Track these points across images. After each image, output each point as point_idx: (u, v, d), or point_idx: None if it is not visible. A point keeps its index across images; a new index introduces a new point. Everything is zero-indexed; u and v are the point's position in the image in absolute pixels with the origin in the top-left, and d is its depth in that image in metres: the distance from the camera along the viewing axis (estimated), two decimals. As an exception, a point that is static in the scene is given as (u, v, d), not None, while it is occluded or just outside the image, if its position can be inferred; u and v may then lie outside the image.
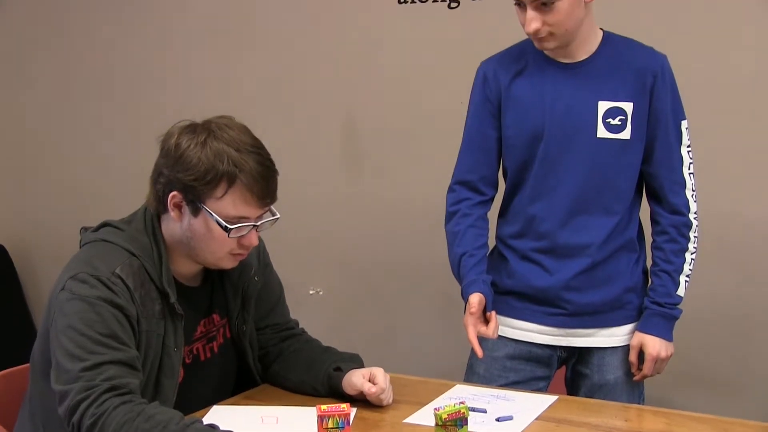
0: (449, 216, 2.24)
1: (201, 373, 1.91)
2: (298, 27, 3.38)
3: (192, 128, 1.77)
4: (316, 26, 3.35)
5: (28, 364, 1.90)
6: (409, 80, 3.23)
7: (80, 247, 1.83)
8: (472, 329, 2.06)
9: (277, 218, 1.84)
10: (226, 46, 3.51)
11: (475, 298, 2.07)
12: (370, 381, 1.89)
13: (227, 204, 1.74)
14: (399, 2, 3.19)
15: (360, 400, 1.90)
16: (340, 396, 1.93)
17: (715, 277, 2.82)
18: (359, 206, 3.37)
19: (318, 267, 3.48)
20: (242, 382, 2.03)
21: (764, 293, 2.87)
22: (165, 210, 1.79)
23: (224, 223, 1.75)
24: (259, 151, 1.78)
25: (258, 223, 1.80)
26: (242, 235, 1.79)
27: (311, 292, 3.48)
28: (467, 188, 2.22)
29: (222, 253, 1.80)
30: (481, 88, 2.18)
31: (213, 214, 1.74)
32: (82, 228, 1.87)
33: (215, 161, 1.72)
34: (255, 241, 1.81)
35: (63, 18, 3.79)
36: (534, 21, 1.99)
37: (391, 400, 1.91)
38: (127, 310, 1.72)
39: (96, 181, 3.73)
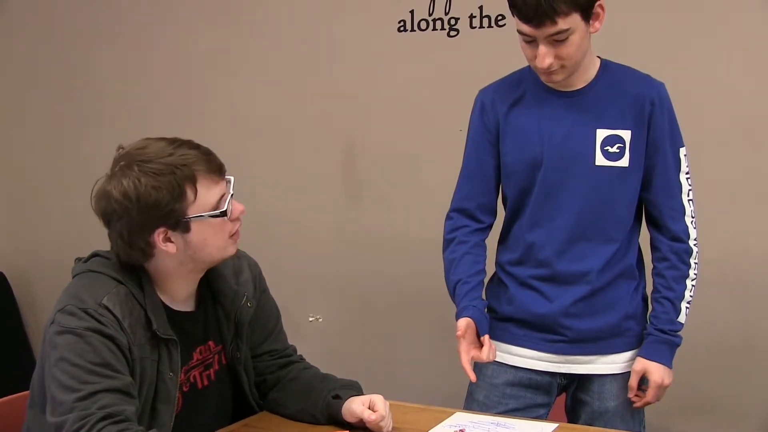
0: (446, 243, 2.25)
1: (199, 401, 1.90)
2: (298, 55, 3.40)
3: (116, 176, 1.74)
4: (316, 54, 3.37)
5: (26, 392, 1.89)
6: (409, 108, 3.24)
7: (72, 279, 1.83)
8: (465, 355, 2.05)
9: (232, 180, 1.83)
10: (227, 74, 3.53)
11: (462, 323, 2.06)
12: (369, 408, 1.88)
13: (204, 197, 1.75)
14: (399, 30, 3.21)
15: (360, 428, 1.89)
16: (340, 424, 1.92)
17: (715, 304, 2.82)
18: (358, 233, 3.38)
19: (317, 294, 3.48)
20: (240, 409, 2.02)
21: (764, 319, 2.87)
22: (152, 255, 1.78)
23: (217, 212, 1.76)
24: (181, 141, 1.79)
25: (232, 192, 1.81)
26: (231, 211, 1.80)
27: (310, 319, 3.47)
28: (464, 216, 2.23)
29: (225, 240, 1.81)
30: (479, 117, 2.19)
31: (204, 215, 1.75)
32: (76, 258, 1.87)
33: (167, 177, 1.72)
34: (241, 207, 1.83)
35: (64, 48, 3.82)
36: (547, 56, 1.98)
37: (390, 428, 1.90)
38: (118, 339, 1.71)
39: (96, 209, 3.74)
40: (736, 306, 2.88)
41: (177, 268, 1.82)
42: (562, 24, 1.93)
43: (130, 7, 3.68)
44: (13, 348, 3.88)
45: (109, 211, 1.75)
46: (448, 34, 3.15)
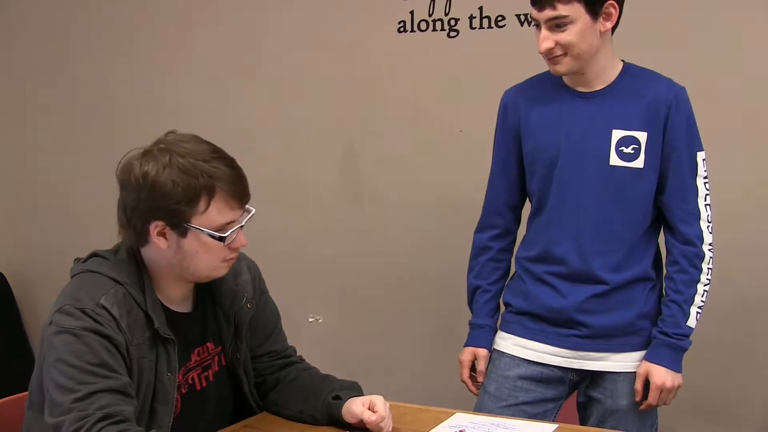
0: (474, 241, 2.35)
1: (198, 402, 1.90)
2: (298, 56, 3.40)
3: (149, 154, 1.75)
4: (316, 55, 3.37)
5: (25, 393, 1.89)
6: (409, 108, 3.24)
7: (70, 279, 1.82)
8: (467, 371, 2.28)
9: (253, 213, 1.82)
10: (227, 76, 3.53)
11: (483, 353, 2.28)
12: (369, 409, 1.88)
13: (213, 215, 1.74)
14: (399, 31, 3.21)
15: (360, 429, 1.90)
16: (340, 424, 1.92)
17: (716, 305, 2.81)
18: (359, 233, 3.38)
19: (317, 294, 3.48)
20: (240, 410, 2.02)
21: (765, 320, 2.86)
22: (146, 242, 1.78)
23: (217, 234, 1.74)
24: (222, 154, 1.78)
25: (243, 224, 1.80)
26: (232, 241, 1.79)
27: (310, 319, 3.47)
28: (492, 216, 2.31)
29: (217, 262, 1.80)
30: (503, 118, 2.25)
31: (203, 229, 1.74)
32: (75, 259, 1.87)
33: (190, 179, 1.71)
34: (244, 242, 1.81)
35: (64, 49, 3.82)
36: (546, 40, 2.05)
37: (390, 429, 1.90)
38: (115, 339, 1.71)
39: (96, 210, 3.74)
40: (735, 307, 2.87)
41: (167, 268, 1.81)
42: (562, 10, 2.01)
43: (129, 8, 3.68)
44: (13, 348, 3.88)
45: (125, 181, 1.75)
46: (448, 35, 3.15)
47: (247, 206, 1.81)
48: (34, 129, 3.93)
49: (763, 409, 2.89)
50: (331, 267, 3.44)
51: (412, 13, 3.18)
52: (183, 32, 3.60)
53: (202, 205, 1.73)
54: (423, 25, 3.17)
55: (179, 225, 1.74)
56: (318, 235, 3.45)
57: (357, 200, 3.38)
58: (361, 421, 1.88)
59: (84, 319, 1.69)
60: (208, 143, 1.79)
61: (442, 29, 3.15)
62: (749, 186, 2.84)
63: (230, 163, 1.77)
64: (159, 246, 1.77)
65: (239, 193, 1.76)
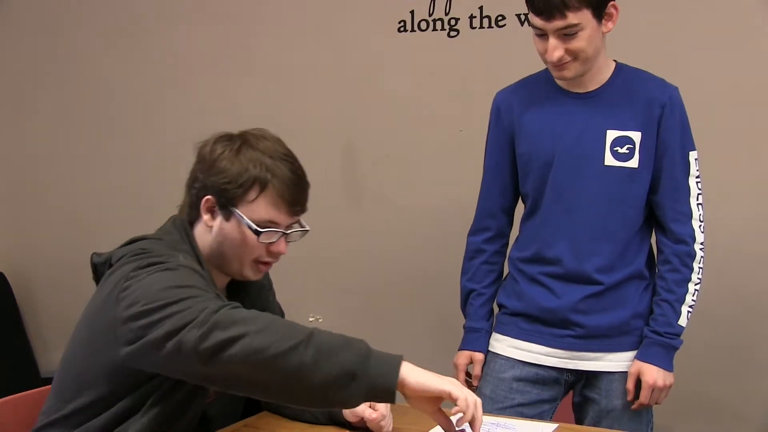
0: (468, 244, 2.34)
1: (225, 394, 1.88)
2: (298, 54, 3.40)
3: (228, 137, 1.83)
4: (316, 54, 3.37)
5: (26, 393, 1.87)
6: (409, 108, 3.25)
7: (115, 262, 1.71)
8: (462, 375, 2.28)
9: (307, 230, 1.85)
10: (227, 74, 3.53)
11: (479, 356, 2.28)
12: (370, 408, 1.88)
13: (259, 208, 1.75)
14: (399, 31, 3.21)
15: (360, 428, 1.90)
16: (341, 424, 1.92)
17: (714, 306, 2.82)
18: (359, 232, 3.38)
19: (317, 294, 3.48)
20: (250, 403, 2.01)
21: (763, 320, 2.87)
22: (198, 216, 1.80)
23: (254, 227, 1.75)
24: (291, 160, 1.81)
25: (288, 232, 1.81)
26: (271, 242, 1.79)
27: (311, 318, 3.47)
28: (488, 217, 2.30)
29: (249, 259, 1.80)
30: (496, 120, 2.25)
31: (244, 217, 1.75)
32: (93, 253, 1.80)
33: (248, 166, 1.75)
34: (284, 249, 1.82)
35: (64, 48, 3.82)
36: (557, 49, 2.02)
37: (391, 428, 1.90)
38: (208, 284, 1.67)
39: (97, 210, 3.74)
40: (734, 307, 2.88)
41: (210, 251, 1.79)
42: (572, 18, 1.98)
43: (129, 8, 3.68)
44: (13, 348, 3.87)
45: (199, 152, 1.82)
46: (449, 35, 3.15)
47: (301, 221, 1.83)
48: (35, 129, 3.92)
49: (762, 409, 2.90)
50: (331, 266, 3.44)
51: (412, 12, 3.19)
52: (182, 31, 3.59)
53: (252, 194, 1.75)
54: (423, 25, 3.17)
55: (226, 206, 1.76)
56: (318, 234, 3.42)
57: (357, 200, 3.38)
58: (362, 419, 1.88)
59: (174, 260, 1.66)
60: (286, 149, 1.83)
61: (442, 29, 3.15)
62: (747, 186, 2.84)
63: (295, 170, 1.80)
64: (206, 223, 1.78)
65: (291, 197, 1.77)
